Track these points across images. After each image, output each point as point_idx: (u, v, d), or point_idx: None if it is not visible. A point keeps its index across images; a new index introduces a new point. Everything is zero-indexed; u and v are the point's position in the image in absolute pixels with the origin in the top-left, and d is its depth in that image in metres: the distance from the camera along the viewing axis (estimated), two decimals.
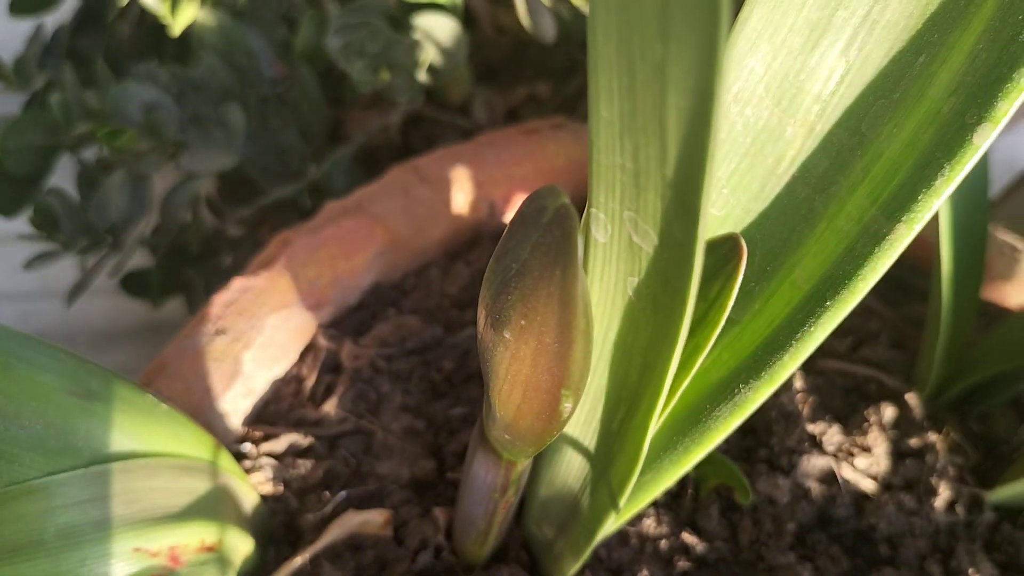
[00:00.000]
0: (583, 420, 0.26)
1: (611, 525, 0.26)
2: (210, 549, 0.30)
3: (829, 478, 0.37)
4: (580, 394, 0.20)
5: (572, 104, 0.67)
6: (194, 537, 0.29)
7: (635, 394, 0.22)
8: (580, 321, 0.19)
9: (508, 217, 0.45)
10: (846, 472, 0.37)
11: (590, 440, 0.26)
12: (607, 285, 0.21)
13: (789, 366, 0.24)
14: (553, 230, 0.18)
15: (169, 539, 0.28)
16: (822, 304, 0.23)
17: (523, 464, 0.27)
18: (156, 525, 0.28)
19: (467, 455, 0.29)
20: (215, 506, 0.31)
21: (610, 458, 0.25)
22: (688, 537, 0.35)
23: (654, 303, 0.19)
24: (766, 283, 0.25)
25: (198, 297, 0.55)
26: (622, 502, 0.24)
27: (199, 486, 0.29)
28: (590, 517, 0.27)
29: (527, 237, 0.19)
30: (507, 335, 0.20)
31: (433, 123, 0.63)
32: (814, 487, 0.36)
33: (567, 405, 0.20)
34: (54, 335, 0.91)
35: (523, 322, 0.19)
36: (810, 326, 0.23)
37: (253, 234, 0.59)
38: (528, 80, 0.67)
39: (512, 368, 0.20)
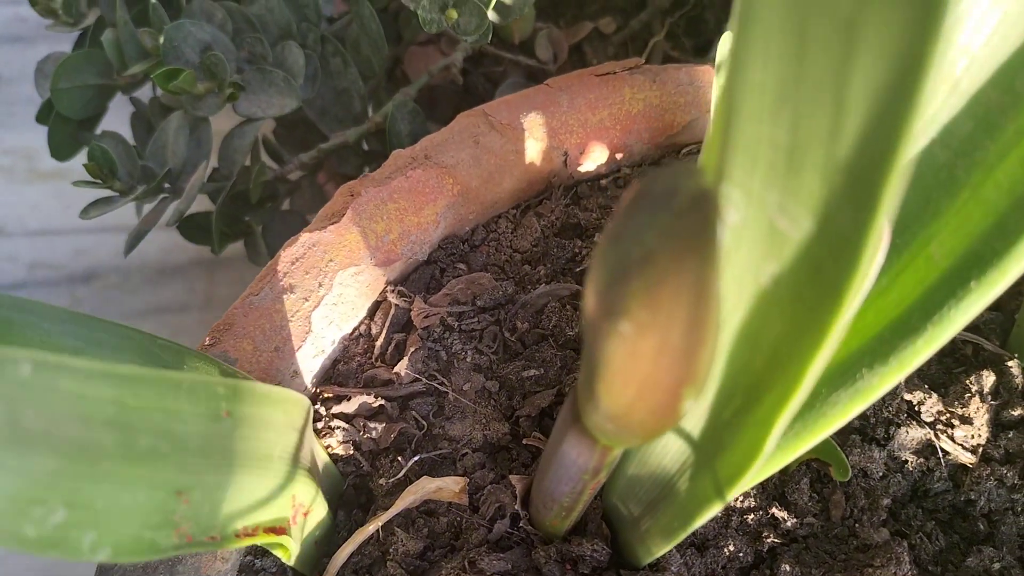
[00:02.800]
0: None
1: (712, 514, 0.24)
2: (307, 513, 0.29)
3: (926, 450, 0.35)
4: (702, 392, 0.19)
5: (638, 39, 0.64)
6: (306, 494, 0.29)
7: (756, 386, 0.20)
8: (712, 317, 0.17)
9: (583, 167, 0.42)
10: (945, 444, 0.35)
11: (694, 425, 0.24)
12: (735, 267, 0.19)
13: (923, 352, 0.21)
14: (689, 216, 0.16)
15: (297, 490, 0.28)
16: (964, 285, 0.21)
17: (620, 449, 0.25)
18: (294, 476, 0.27)
19: (554, 431, 0.27)
20: (311, 466, 0.30)
21: (718, 447, 0.23)
22: (777, 511, 0.33)
23: (795, 294, 0.17)
24: (896, 257, 0.23)
25: (257, 241, 0.54)
26: (730, 495, 0.22)
27: (294, 444, 0.28)
28: (689, 503, 0.25)
29: (654, 220, 0.17)
30: (624, 328, 0.18)
31: (494, 61, 0.60)
32: (910, 460, 0.34)
33: (687, 404, 0.19)
34: (107, 270, 0.91)
35: (645, 315, 0.17)
36: (949, 308, 0.21)
37: (311, 178, 0.57)
38: (592, 15, 0.64)
39: (628, 363, 0.18)
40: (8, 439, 0.17)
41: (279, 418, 0.25)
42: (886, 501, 0.33)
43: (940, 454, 0.34)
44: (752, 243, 0.18)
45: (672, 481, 0.27)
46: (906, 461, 0.34)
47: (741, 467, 0.21)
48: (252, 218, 0.54)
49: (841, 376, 0.23)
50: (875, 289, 0.23)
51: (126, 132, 0.53)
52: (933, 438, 0.34)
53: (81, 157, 0.55)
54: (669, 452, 0.26)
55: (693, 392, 0.18)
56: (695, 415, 0.24)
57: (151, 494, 0.20)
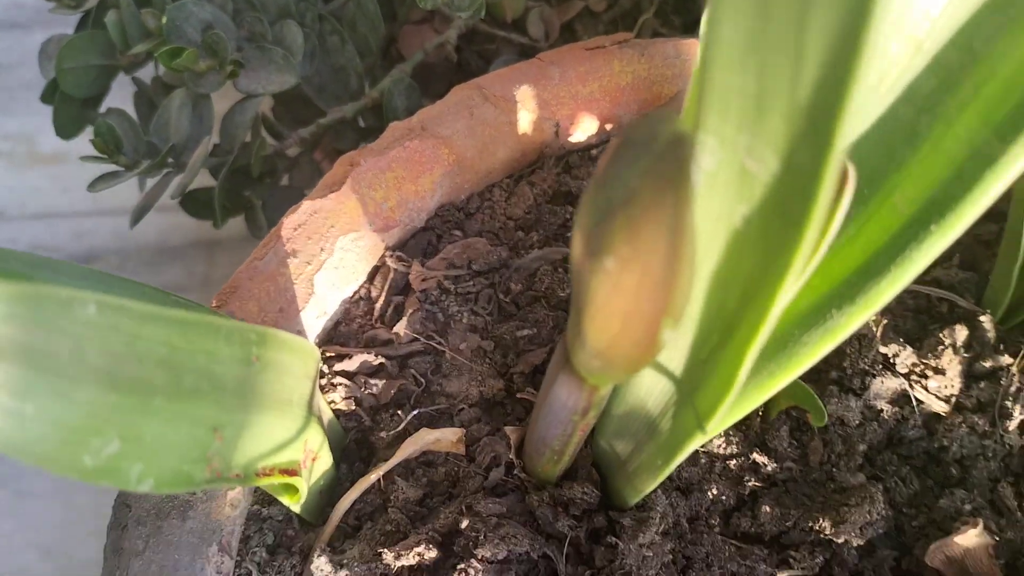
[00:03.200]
0: (669, 344, 0.26)
1: (694, 447, 0.26)
2: (315, 459, 0.31)
3: (901, 399, 0.37)
4: (679, 322, 0.20)
5: (628, 17, 0.65)
6: (315, 440, 0.30)
7: (730, 323, 0.22)
8: (688, 250, 0.18)
9: (573, 137, 0.44)
10: (919, 393, 0.36)
11: (676, 364, 0.26)
12: (710, 211, 0.21)
13: (887, 291, 0.23)
14: (667, 157, 0.17)
15: (309, 436, 0.29)
16: (926, 228, 0.23)
17: (607, 388, 0.27)
18: (308, 422, 0.29)
19: (546, 376, 0.29)
20: (319, 414, 0.31)
21: (697, 384, 0.25)
22: (758, 457, 0.35)
23: (764, 233, 0.19)
24: (862, 207, 0.25)
25: (257, 216, 0.55)
26: (709, 427, 0.24)
27: (309, 391, 0.30)
28: (671, 439, 0.27)
29: (636, 162, 0.18)
30: (608, 264, 0.19)
31: (487, 39, 0.61)
32: (886, 408, 0.36)
33: (666, 333, 0.20)
34: (108, 252, 0.92)
35: (627, 251, 0.19)
36: (912, 251, 0.23)
37: (309, 154, 0.59)
38: None
39: (612, 297, 0.20)
40: (74, 374, 0.19)
41: (297, 365, 0.27)
42: (862, 447, 0.35)
43: (915, 403, 0.36)
44: (726, 187, 0.20)
45: (656, 420, 0.28)
46: (882, 410, 0.36)
47: (718, 399, 0.23)
48: (252, 193, 0.55)
49: (812, 317, 0.25)
50: (843, 238, 0.25)
51: (129, 111, 0.55)
52: (908, 388, 0.36)
53: (81, 141, 0.56)
54: (653, 393, 0.28)
55: (671, 322, 0.20)
56: (676, 356, 0.26)
57: (192, 430, 0.22)
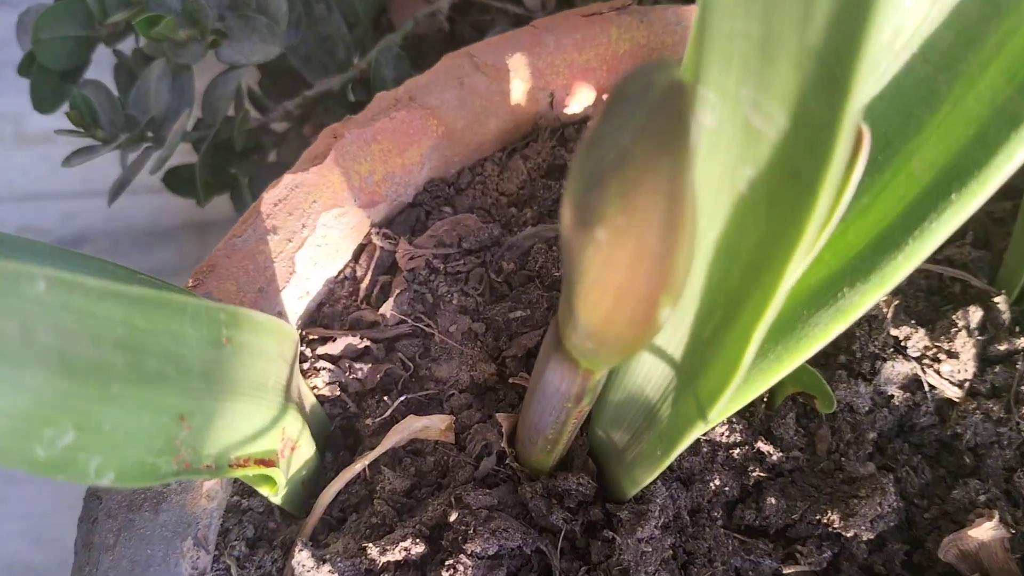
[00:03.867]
0: (669, 325, 0.24)
1: (695, 437, 0.24)
2: (294, 448, 0.29)
3: (912, 385, 0.35)
4: (678, 299, 0.18)
5: None
6: (294, 428, 0.29)
7: (735, 300, 0.20)
8: (688, 219, 0.16)
9: (569, 108, 0.42)
10: (931, 378, 0.35)
11: (675, 347, 0.24)
12: (712, 176, 0.19)
13: (904, 267, 0.21)
14: (662, 111, 0.15)
15: (287, 423, 0.28)
16: (946, 197, 0.21)
17: (601, 372, 0.25)
18: (286, 409, 0.27)
19: (538, 360, 0.27)
20: (299, 401, 0.30)
21: (699, 367, 0.23)
22: (763, 446, 0.33)
23: (771, 197, 0.17)
24: (877, 175, 0.23)
25: (243, 194, 0.54)
26: (712, 414, 0.22)
27: (285, 376, 0.28)
28: (672, 427, 0.25)
29: (629, 119, 0.16)
30: (599, 235, 0.17)
31: (482, 9, 0.59)
32: (896, 394, 0.34)
33: (664, 312, 0.18)
34: (97, 234, 0.90)
35: (621, 220, 0.17)
36: (931, 222, 0.21)
37: (298, 129, 0.57)
38: None
39: (604, 272, 0.18)
40: (22, 357, 0.17)
41: (272, 348, 0.25)
42: (872, 435, 0.33)
43: (927, 389, 0.34)
44: (728, 147, 0.18)
45: (655, 407, 0.27)
46: (892, 396, 0.34)
47: (722, 384, 0.21)
48: (238, 170, 0.53)
49: (823, 296, 0.23)
50: (856, 208, 0.23)
51: (110, 84, 0.53)
52: (920, 373, 0.34)
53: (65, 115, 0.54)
54: (652, 378, 0.26)
55: (670, 299, 0.18)
56: (676, 337, 0.24)
57: (156, 418, 0.20)
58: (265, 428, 0.26)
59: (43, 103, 0.53)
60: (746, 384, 0.24)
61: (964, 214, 0.20)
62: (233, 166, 0.53)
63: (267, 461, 0.27)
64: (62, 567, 0.69)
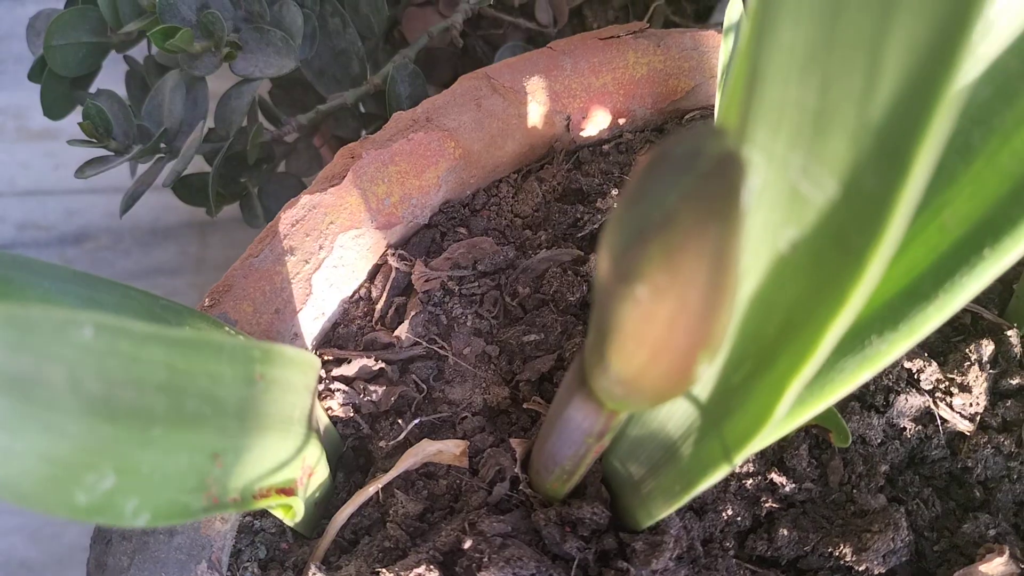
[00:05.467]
0: None
1: (718, 478, 0.25)
2: (311, 474, 0.29)
3: (924, 417, 0.35)
4: (717, 355, 0.19)
5: (638, 3, 0.63)
6: (313, 456, 0.29)
7: (768, 351, 0.20)
8: (732, 281, 0.17)
9: (585, 131, 0.42)
10: (943, 412, 0.35)
11: (701, 390, 0.24)
12: (751, 231, 0.19)
13: (933, 319, 0.21)
14: (714, 179, 0.15)
15: (308, 452, 0.28)
16: (978, 252, 0.21)
17: (626, 413, 0.25)
18: (308, 438, 0.27)
19: (559, 395, 0.27)
20: (318, 427, 0.30)
21: (726, 412, 0.23)
22: (776, 477, 0.33)
23: (815, 260, 0.17)
24: (907, 225, 0.23)
25: (253, 204, 0.53)
26: (737, 459, 0.23)
27: (309, 406, 0.28)
28: (693, 466, 0.25)
29: (675, 182, 0.16)
30: (639, 291, 0.18)
31: (494, 23, 0.59)
32: (909, 427, 0.35)
33: (702, 368, 0.18)
34: (98, 231, 0.90)
35: (663, 279, 0.17)
36: (962, 276, 0.21)
37: (308, 140, 0.57)
38: None
39: (642, 326, 0.18)
40: (68, 404, 0.17)
41: (299, 380, 0.25)
42: (884, 467, 0.34)
43: (938, 422, 0.35)
44: (771, 207, 0.18)
45: (676, 444, 0.27)
46: (904, 428, 0.35)
47: (750, 431, 0.21)
48: (248, 180, 0.53)
49: (849, 342, 0.23)
50: None
51: (120, 91, 0.53)
52: (932, 406, 0.35)
53: (74, 116, 0.54)
54: (674, 416, 0.26)
55: (709, 356, 0.18)
56: (702, 380, 0.24)
57: (192, 458, 0.20)
58: (289, 459, 0.26)
59: (53, 109, 0.53)
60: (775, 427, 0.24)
61: (997, 270, 0.20)
62: (243, 176, 0.53)
63: (288, 490, 0.27)
64: (59, 564, 0.69)
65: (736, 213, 0.15)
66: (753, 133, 0.17)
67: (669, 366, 0.19)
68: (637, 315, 0.18)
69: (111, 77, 0.55)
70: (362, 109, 0.56)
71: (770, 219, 0.18)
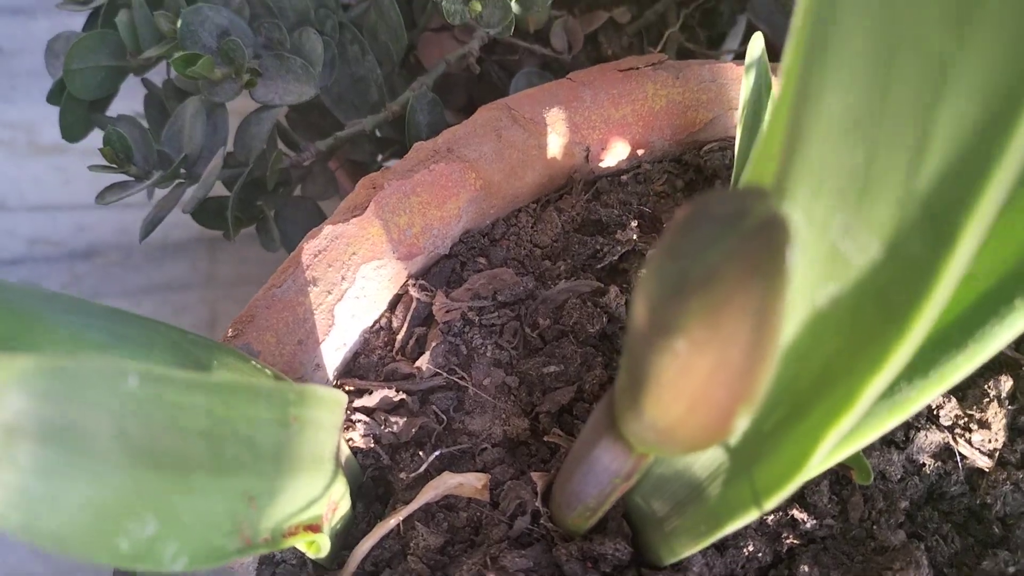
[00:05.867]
0: None
1: (746, 522, 0.25)
2: (335, 508, 0.29)
3: (944, 453, 0.35)
4: (755, 407, 0.19)
5: (652, 30, 0.63)
6: (339, 491, 0.29)
7: (802, 400, 0.20)
8: (775, 338, 0.17)
9: (604, 163, 0.42)
10: (962, 448, 0.35)
11: None
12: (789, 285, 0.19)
13: (963, 367, 0.22)
14: (759, 240, 0.16)
15: (335, 488, 0.28)
16: (1008, 303, 0.21)
17: (655, 456, 0.25)
18: (336, 474, 0.28)
19: (585, 434, 0.28)
20: (341, 462, 0.30)
21: (756, 457, 0.23)
22: (797, 513, 0.33)
23: (855, 317, 0.17)
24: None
25: (270, 227, 0.54)
26: (768, 505, 0.23)
27: (336, 443, 0.28)
28: (721, 508, 0.26)
29: (717, 240, 0.17)
30: (679, 345, 0.18)
31: (509, 49, 0.60)
32: (928, 463, 0.35)
33: (741, 421, 0.19)
34: (108, 247, 0.90)
35: (703, 334, 0.17)
36: (992, 326, 0.21)
37: (323, 164, 0.57)
38: (607, 4, 0.63)
39: (680, 379, 0.18)
40: (116, 455, 0.17)
41: (329, 419, 0.26)
42: (904, 504, 0.34)
43: (958, 458, 0.35)
44: (810, 263, 0.18)
45: (702, 485, 0.27)
46: (924, 464, 0.35)
47: (783, 478, 0.21)
48: (264, 203, 0.54)
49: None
50: None
51: (135, 110, 0.53)
52: (951, 442, 0.35)
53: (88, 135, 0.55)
54: (700, 456, 0.26)
55: (747, 410, 0.18)
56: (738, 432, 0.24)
57: (228, 502, 0.20)
58: (318, 496, 0.26)
59: (71, 131, 0.54)
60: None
61: None
62: (260, 199, 0.53)
63: (315, 527, 0.27)
64: None
65: (781, 273, 0.16)
66: (793, 191, 0.17)
67: (706, 419, 0.19)
68: (675, 367, 0.18)
69: (126, 97, 0.55)
70: (377, 133, 0.56)
71: (808, 274, 0.18)
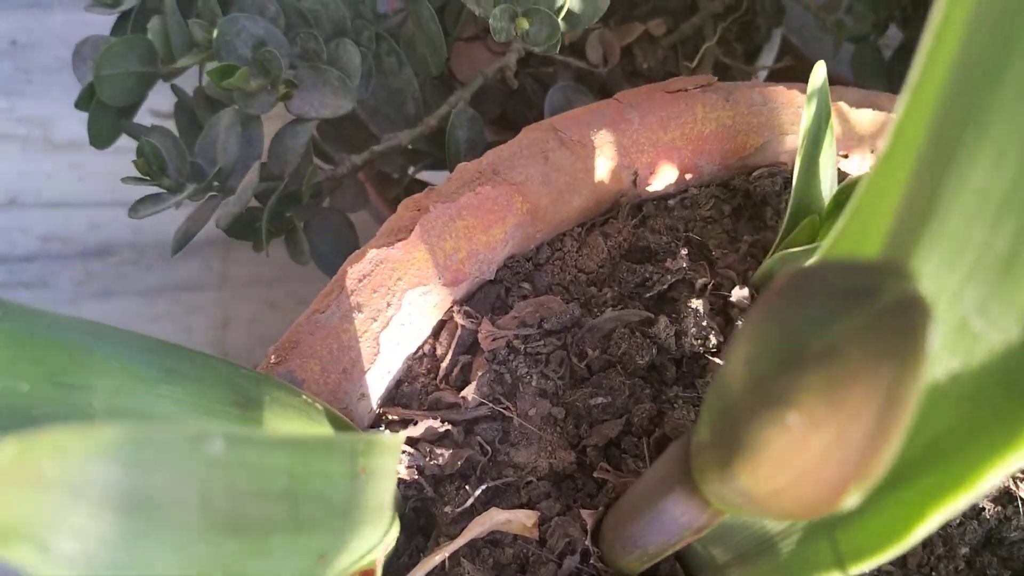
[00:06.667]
0: None
1: None
2: (387, 548, 0.28)
3: (1003, 498, 0.34)
4: (870, 487, 0.18)
5: (688, 43, 0.62)
6: (393, 535, 0.28)
7: (905, 469, 0.19)
8: (904, 422, 0.16)
9: (651, 187, 0.41)
10: (1023, 492, 0.34)
11: None
12: None
13: None
14: (893, 320, 0.15)
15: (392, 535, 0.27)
16: None
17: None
18: (393, 520, 0.27)
19: (651, 483, 0.27)
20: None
21: (843, 518, 0.22)
22: None
23: (978, 397, 0.16)
24: None
25: (299, 239, 0.53)
26: (853, 570, 0.22)
27: (394, 487, 0.27)
28: (796, 566, 0.25)
29: (841, 313, 0.16)
30: (791, 419, 0.17)
31: (543, 61, 0.59)
32: (988, 507, 0.34)
33: (851, 501, 0.18)
34: (122, 245, 0.89)
35: (822, 412, 0.16)
36: None
37: (353, 175, 0.56)
38: (642, 16, 0.62)
39: (788, 454, 0.17)
40: (199, 523, 0.16)
41: (390, 465, 0.25)
42: (964, 550, 0.33)
43: (1018, 502, 0.34)
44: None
45: (772, 539, 0.26)
46: (983, 508, 0.34)
47: (878, 546, 0.20)
48: (294, 214, 0.53)
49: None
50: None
51: (157, 109, 0.52)
52: (1012, 486, 0.34)
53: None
54: None
55: (861, 489, 0.17)
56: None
57: (302, 561, 0.20)
58: (377, 544, 0.25)
59: (99, 139, 0.53)
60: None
61: None
62: (289, 211, 0.52)
63: (369, 572, 0.26)
64: None
65: (918, 358, 0.15)
66: (926, 259, 0.16)
67: (812, 495, 0.18)
68: (784, 442, 0.17)
69: (154, 102, 0.54)
70: (408, 145, 0.55)
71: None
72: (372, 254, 0.36)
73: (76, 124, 0.90)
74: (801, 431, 0.17)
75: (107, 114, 0.52)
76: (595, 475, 0.35)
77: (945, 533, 0.33)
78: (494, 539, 0.34)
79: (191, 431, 0.17)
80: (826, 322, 0.16)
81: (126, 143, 0.52)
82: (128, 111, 0.53)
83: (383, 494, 0.24)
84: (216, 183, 0.46)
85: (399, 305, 0.35)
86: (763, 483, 0.19)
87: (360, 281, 0.35)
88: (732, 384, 0.19)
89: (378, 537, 0.25)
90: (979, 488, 0.17)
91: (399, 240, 0.36)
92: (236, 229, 0.51)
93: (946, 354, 0.17)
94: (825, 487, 0.18)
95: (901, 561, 0.33)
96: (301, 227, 0.54)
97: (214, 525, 0.17)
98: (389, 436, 0.25)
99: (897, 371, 0.15)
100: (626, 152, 0.40)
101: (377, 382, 0.35)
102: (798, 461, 0.17)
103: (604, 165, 0.40)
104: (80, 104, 0.53)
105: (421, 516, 0.36)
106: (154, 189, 0.46)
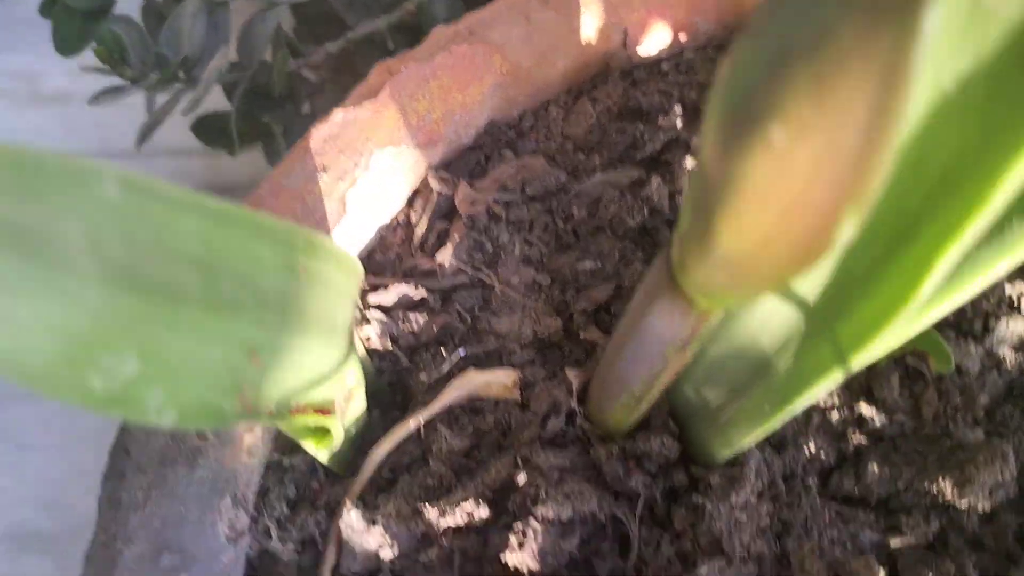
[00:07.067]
0: None
1: (824, 391, 0.21)
2: (349, 399, 0.26)
3: None
4: (864, 213, 0.15)
5: None
6: (353, 377, 0.26)
7: (908, 227, 0.17)
8: (902, 110, 0.13)
9: (643, 48, 0.39)
10: None
11: (809, 285, 0.21)
12: None
13: None
14: None
15: (348, 371, 0.25)
16: None
17: (717, 316, 0.22)
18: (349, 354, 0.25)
19: (634, 305, 0.24)
20: (356, 347, 0.27)
21: (842, 309, 0.20)
22: (864, 409, 0.30)
23: (991, 93, 0.14)
24: None
25: (277, 145, 0.50)
26: (856, 363, 0.19)
27: (351, 316, 0.25)
28: (792, 380, 0.22)
29: None
30: (775, 134, 0.14)
31: None
32: (1008, 356, 0.31)
33: (844, 230, 0.15)
34: None
35: (809, 113, 0.14)
36: None
37: (335, 80, 0.54)
38: None
39: (773, 181, 0.15)
40: (87, 269, 0.14)
41: (343, 282, 0.23)
42: (983, 400, 0.30)
43: None
44: (939, 35, 0.15)
45: (768, 360, 0.24)
46: (1004, 357, 0.31)
47: (879, 320, 0.18)
48: (272, 119, 0.50)
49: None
50: None
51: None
52: None
53: (87, 81, 0.51)
54: (770, 326, 0.23)
55: (855, 212, 0.15)
56: (810, 276, 0.21)
57: (225, 350, 0.17)
58: (330, 372, 0.23)
59: (65, 45, 0.50)
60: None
61: None
62: (267, 115, 0.50)
63: (325, 410, 0.24)
64: (72, 535, 0.67)
65: (921, 18, 0.12)
66: None
67: (802, 229, 0.16)
68: (767, 166, 0.15)
69: (125, 11, 0.52)
70: (391, 45, 0.53)
71: (937, 51, 0.15)
72: (339, 115, 0.34)
73: (63, 77, 0.88)
74: (786, 145, 0.14)
75: (72, 19, 0.50)
76: (583, 337, 0.32)
77: (963, 383, 0.31)
78: (474, 407, 0.32)
79: (80, 166, 0.15)
80: (813, 6, 0.13)
81: None
82: (95, 16, 0.51)
83: (333, 312, 0.22)
84: (182, 73, 0.43)
85: (367, 165, 0.33)
86: (748, 233, 0.16)
87: (326, 142, 0.33)
88: (705, 146, 0.17)
89: (329, 364, 0.23)
90: (994, 204, 0.15)
91: (368, 101, 0.34)
92: (207, 133, 0.48)
93: (955, 56, 0.14)
94: (816, 215, 0.15)
95: (915, 411, 0.31)
96: (280, 132, 0.51)
97: (107, 276, 0.15)
98: (338, 246, 0.22)
99: (896, 39, 0.13)
100: (615, 9, 0.37)
101: (344, 244, 0.33)
102: (783, 188, 0.15)
103: (591, 23, 0.37)
104: (44, 10, 0.50)
105: (397, 391, 0.34)
106: (117, 80, 0.43)
